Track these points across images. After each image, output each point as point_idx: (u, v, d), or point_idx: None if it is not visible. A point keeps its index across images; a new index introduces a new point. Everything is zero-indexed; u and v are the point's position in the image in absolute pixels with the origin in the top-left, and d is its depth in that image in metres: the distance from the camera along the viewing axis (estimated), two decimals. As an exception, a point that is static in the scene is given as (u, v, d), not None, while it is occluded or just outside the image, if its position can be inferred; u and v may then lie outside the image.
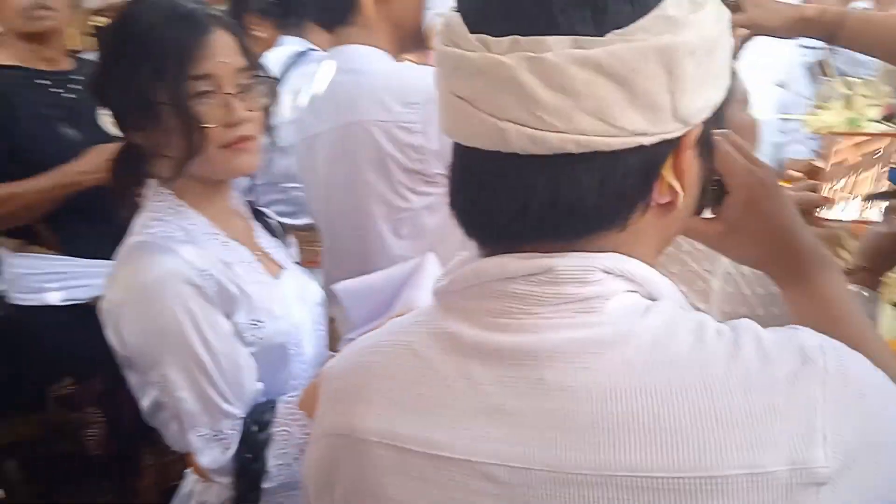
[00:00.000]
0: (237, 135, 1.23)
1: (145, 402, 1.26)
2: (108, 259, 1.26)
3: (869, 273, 1.27)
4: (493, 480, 0.63)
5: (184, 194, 1.27)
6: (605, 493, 0.60)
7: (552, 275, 0.64)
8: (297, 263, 1.47)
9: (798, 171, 1.74)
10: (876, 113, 1.86)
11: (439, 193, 1.60)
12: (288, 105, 2.12)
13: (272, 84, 1.30)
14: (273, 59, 2.49)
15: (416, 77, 1.64)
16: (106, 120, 1.32)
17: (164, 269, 1.18)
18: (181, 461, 1.36)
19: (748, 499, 0.57)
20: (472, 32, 0.62)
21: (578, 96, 0.59)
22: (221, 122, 1.22)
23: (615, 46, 0.59)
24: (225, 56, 1.23)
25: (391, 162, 1.62)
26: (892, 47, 1.46)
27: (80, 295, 2.03)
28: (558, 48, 0.59)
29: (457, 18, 0.64)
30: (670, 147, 0.64)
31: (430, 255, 1.39)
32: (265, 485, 1.21)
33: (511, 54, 0.60)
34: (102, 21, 2.81)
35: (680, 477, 0.58)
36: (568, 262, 0.64)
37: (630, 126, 0.60)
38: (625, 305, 0.64)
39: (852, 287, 1.20)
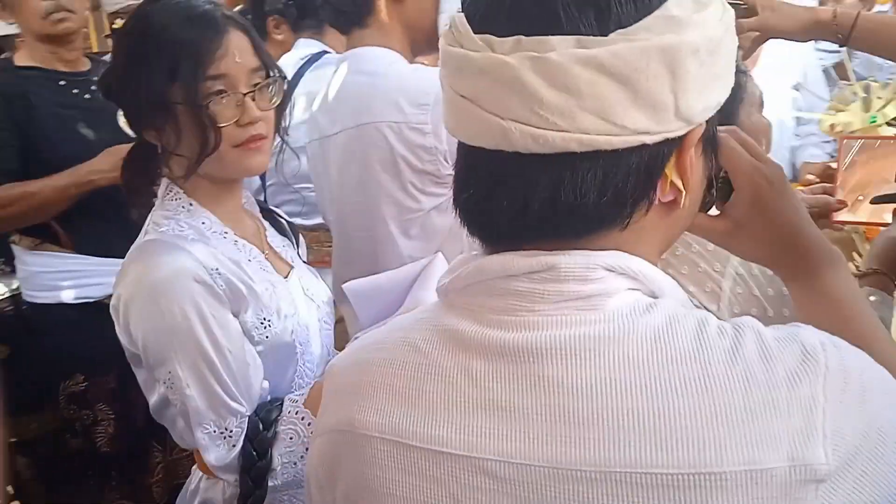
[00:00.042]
0: (249, 134, 1.24)
1: (153, 399, 1.27)
2: (122, 258, 1.27)
3: (882, 276, 1.26)
4: (493, 476, 0.63)
5: (195, 193, 1.29)
6: (604, 489, 0.60)
7: (555, 272, 0.64)
8: (306, 263, 1.47)
9: (813, 174, 1.74)
10: (894, 111, 1.84)
11: (449, 194, 1.61)
12: (302, 106, 2.14)
13: (285, 84, 1.31)
14: (289, 61, 2.51)
15: (428, 79, 1.64)
16: (124, 120, 1.33)
17: (174, 267, 1.19)
18: (189, 459, 1.37)
19: (748, 495, 0.57)
20: (476, 33, 0.63)
21: (581, 95, 0.60)
22: (235, 121, 1.23)
23: (618, 46, 0.59)
24: (239, 56, 1.24)
25: (402, 163, 1.63)
26: None
27: (93, 293, 2.06)
28: (562, 48, 0.60)
29: (461, 19, 0.65)
30: (673, 146, 0.64)
31: (439, 255, 1.39)
32: (271, 482, 1.22)
33: (514, 54, 0.60)
34: (121, 24, 2.84)
35: (680, 473, 0.58)
36: (570, 259, 0.64)
37: (633, 125, 0.61)
38: (627, 303, 0.64)
39: (866, 290, 1.19)
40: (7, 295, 2.23)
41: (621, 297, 0.64)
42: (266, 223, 1.43)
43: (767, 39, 1.53)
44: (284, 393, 1.29)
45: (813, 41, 2.06)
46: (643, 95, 0.60)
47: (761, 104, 1.46)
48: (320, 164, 1.84)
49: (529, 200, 0.63)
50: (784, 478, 0.57)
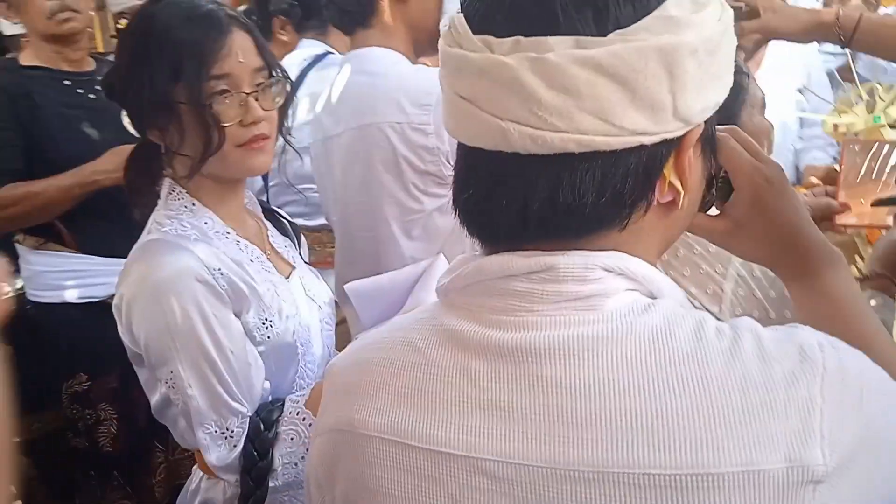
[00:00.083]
0: (252, 134, 1.24)
1: (154, 399, 1.28)
2: (125, 258, 1.28)
3: (884, 279, 1.26)
4: (491, 476, 0.63)
5: (198, 193, 1.29)
6: (602, 489, 0.60)
7: (553, 273, 0.64)
8: (308, 263, 1.48)
9: (817, 177, 1.73)
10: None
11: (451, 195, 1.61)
12: (305, 107, 2.15)
13: (288, 84, 1.31)
14: (292, 61, 2.51)
15: (431, 79, 1.65)
16: (128, 120, 1.34)
17: (177, 267, 1.19)
18: (191, 459, 1.37)
19: (745, 496, 0.57)
20: (475, 33, 0.63)
21: (580, 96, 0.60)
22: (238, 121, 1.23)
23: (616, 46, 0.59)
24: (242, 56, 1.24)
25: (405, 163, 1.64)
26: None
27: (97, 293, 2.07)
28: (560, 48, 0.60)
29: (460, 20, 0.65)
30: (672, 146, 0.64)
31: (441, 256, 1.40)
32: (271, 483, 1.22)
33: (513, 55, 0.61)
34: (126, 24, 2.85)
35: (677, 474, 0.58)
36: (569, 260, 0.64)
37: (631, 126, 0.61)
38: (625, 303, 0.64)
39: (868, 293, 1.19)
40: (11, 294, 2.24)
41: (620, 298, 0.64)
42: (268, 223, 1.43)
43: (769, 41, 1.53)
44: (286, 393, 1.29)
45: (817, 43, 2.06)
46: (641, 96, 0.60)
47: (763, 106, 1.46)
48: (324, 165, 1.85)
49: (528, 201, 0.63)
50: (781, 479, 0.57)
